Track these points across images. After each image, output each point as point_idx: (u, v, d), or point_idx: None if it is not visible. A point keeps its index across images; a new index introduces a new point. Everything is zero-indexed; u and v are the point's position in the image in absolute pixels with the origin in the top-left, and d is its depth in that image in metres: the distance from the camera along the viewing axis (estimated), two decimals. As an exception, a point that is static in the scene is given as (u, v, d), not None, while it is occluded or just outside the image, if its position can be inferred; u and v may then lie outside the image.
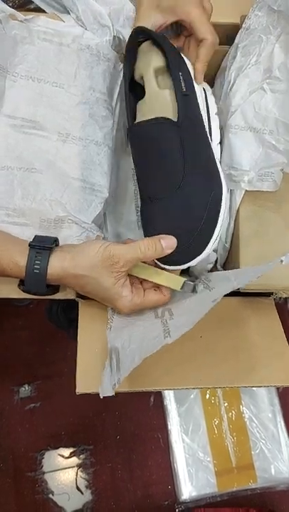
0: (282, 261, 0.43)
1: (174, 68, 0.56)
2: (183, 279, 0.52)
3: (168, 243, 0.50)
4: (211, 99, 0.60)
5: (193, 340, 0.52)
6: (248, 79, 0.58)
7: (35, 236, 0.52)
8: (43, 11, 0.65)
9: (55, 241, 0.53)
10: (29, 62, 0.59)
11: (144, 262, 0.53)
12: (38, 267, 0.49)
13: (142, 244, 0.50)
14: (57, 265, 0.49)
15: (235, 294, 0.58)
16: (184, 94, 0.55)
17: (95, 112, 0.62)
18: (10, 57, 0.58)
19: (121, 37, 0.63)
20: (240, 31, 0.60)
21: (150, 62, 0.57)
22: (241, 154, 0.57)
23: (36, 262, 0.49)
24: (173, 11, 0.57)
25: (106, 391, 0.44)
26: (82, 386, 0.49)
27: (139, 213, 0.64)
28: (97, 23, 0.62)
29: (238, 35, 0.61)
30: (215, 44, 0.57)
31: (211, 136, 0.57)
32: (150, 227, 0.55)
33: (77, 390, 0.49)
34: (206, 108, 0.58)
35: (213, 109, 0.59)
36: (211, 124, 0.58)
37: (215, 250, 0.57)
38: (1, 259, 0.49)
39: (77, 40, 0.62)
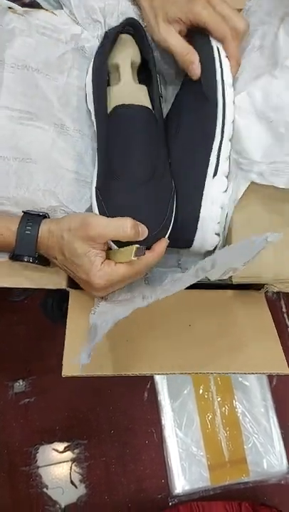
0: (266, 239, 0.43)
1: (153, 69, 0.58)
2: (134, 247, 0.49)
3: (143, 232, 0.50)
4: (226, 63, 0.56)
5: (181, 328, 0.53)
6: (251, 63, 0.56)
7: (27, 210, 0.55)
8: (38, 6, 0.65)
9: (46, 214, 0.56)
10: (26, 54, 0.60)
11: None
12: (30, 228, 0.51)
13: (125, 220, 0.50)
14: (45, 228, 0.52)
15: (226, 286, 0.59)
16: (160, 96, 0.56)
17: (81, 109, 0.63)
18: (7, 50, 0.59)
19: None
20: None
21: (129, 54, 0.59)
22: (250, 142, 0.54)
23: (28, 223, 0.51)
24: (182, 18, 0.56)
25: (83, 359, 0.44)
26: (68, 369, 0.50)
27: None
28: (90, 18, 0.63)
29: None
30: (238, 36, 0.56)
31: (224, 112, 0.55)
32: (113, 207, 0.54)
33: (63, 373, 0.49)
34: (221, 79, 0.56)
35: (228, 80, 0.56)
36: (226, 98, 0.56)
37: (218, 234, 0.56)
38: None
39: (74, 39, 0.63)
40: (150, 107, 0.56)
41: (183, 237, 0.56)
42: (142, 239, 0.50)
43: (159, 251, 0.53)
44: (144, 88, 0.58)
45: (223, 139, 0.55)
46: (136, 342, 0.52)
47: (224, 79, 0.55)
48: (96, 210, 0.54)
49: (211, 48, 0.56)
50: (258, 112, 0.53)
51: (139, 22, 0.60)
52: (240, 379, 1.06)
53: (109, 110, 0.56)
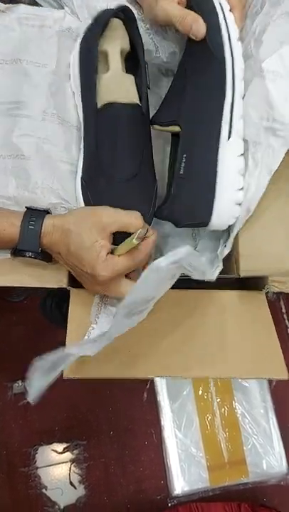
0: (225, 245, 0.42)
1: (142, 58, 0.57)
2: (137, 232, 0.49)
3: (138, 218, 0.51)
4: (230, 18, 0.54)
5: (184, 331, 0.53)
6: (279, 28, 0.54)
7: (30, 206, 0.55)
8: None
9: (49, 210, 0.56)
10: (13, 48, 0.60)
11: None
12: (33, 223, 0.51)
13: (132, 212, 0.51)
14: (49, 223, 0.51)
15: (229, 284, 0.59)
16: (148, 87, 0.56)
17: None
18: None
19: None
20: None
21: (118, 41, 0.57)
22: (285, 105, 0.51)
23: (32, 218, 0.51)
24: None
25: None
26: (69, 371, 0.50)
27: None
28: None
29: None
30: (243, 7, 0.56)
31: (233, 67, 0.53)
32: (100, 200, 0.54)
33: (64, 375, 0.49)
34: (227, 34, 0.54)
35: (234, 33, 0.54)
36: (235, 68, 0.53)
37: (239, 204, 0.54)
38: None
39: (58, 23, 0.62)
40: (138, 99, 0.56)
41: (200, 211, 0.53)
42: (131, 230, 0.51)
43: (154, 238, 0.52)
44: (131, 78, 0.57)
45: (235, 96, 0.53)
46: (137, 345, 0.51)
47: (230, 33, 0.53)
48: (81, 199, 0.56)
49: (213, 3, 0.54)
50: None
51: (130, 7, 0.59)
52: (239, 380, 1.06)
53: (98, 103, 0.55)
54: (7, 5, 0.61)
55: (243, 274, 0.56)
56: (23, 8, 0.62)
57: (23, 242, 0.51)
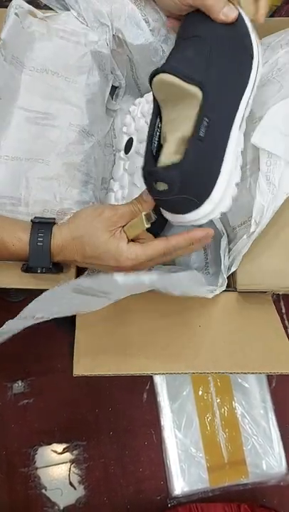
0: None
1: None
2: (142, 214, 0.49)
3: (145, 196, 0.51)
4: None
5: (191, 328, 0.53)
6: None
7: (35, 217, 0.54)
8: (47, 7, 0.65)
9: (54, 220, 0.55)
10: (46, 57, 0.60)
11: None
12: (42, 239, 0.50)
13: (133, 200, 0.51)
14: (58, 236, 0.51)
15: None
16: None
17: (98, 113, 0.63)
18: (27, 52, 0.59)
19: (120, 36, 0.64)
20: None
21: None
22: None
23: (39, 234, 0.50)
24: None
25: None
26: (79, 368, 0.50)
27: None
28: (98, 22, 0.63)
29: None
30: None
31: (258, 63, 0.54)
32: None
33: (74, 372, 0.49)
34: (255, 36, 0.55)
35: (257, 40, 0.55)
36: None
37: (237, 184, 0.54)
38: (4, 236, 0.50)
39: (92, 44, 0.63)
40: None
41: (207, 178, 0.50)
42: (149, 202, 0.51)
43: (193, 236, 0.51)
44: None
45: (251, 96, 0.53)
46: (145, 343, 0.51)
47: (253, 33, 0.55)
48: None
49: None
50: None
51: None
52: (239, 380, 1.06)
53: None
54: (46, 13, 0.61)
55: (240, 288, 0.56)
56: (62, 20, 0.62)
57: (34, 260, 0.51)
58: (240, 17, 0.54)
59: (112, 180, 0.69)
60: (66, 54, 0.61)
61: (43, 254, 0.50)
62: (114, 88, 0.74)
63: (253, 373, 0.51)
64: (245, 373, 0.52)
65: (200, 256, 0.68)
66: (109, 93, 0.71)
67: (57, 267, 0.53)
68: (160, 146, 0.53)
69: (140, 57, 0.66)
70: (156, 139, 0.53)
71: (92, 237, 0.50)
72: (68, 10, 0.63)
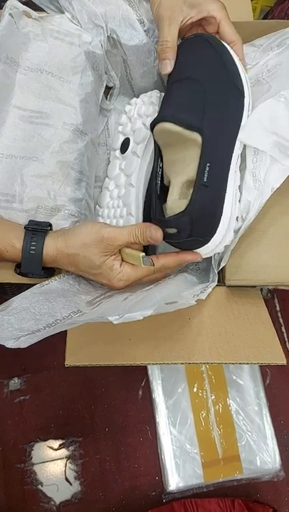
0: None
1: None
2: (140, 254, 0.51)
3: (152, 235, 0.51)
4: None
5: (181, 320, 0.54)
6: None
7: (30, 220, 0.54)
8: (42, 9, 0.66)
9: (50, 225, 0.55)
10: (40, 57, 0.61)
11: None
12: (34, 247, 0.51)
13: (135, 230, 0.51)
14: (51, 246, 0.51)
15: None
16: None
17: (92, 112, 0.64)
18: (22, 53, 0.60)
19: (115, 36, 0.65)
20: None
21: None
22: None
23: (32, 243, 0.51)
24: (200, 8, 0.57)
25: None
26: (71, 359, 0.51)
27: None
28: (92, 23, 0.64)
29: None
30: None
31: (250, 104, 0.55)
32: None
33: (66, 363, 0.50)
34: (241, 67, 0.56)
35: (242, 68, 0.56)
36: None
37: (235, 231, 0.55)
38: None
39: (86, 45, 0.63)
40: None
41: (210, 224, 0.52)
42: (156, 243, 0.51)
43: (184, 258, 0.53)
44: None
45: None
46: (136, 334, 0.52)
47: (240, 68, 0.55)
48: None
49: (224, 45, 0.56)
50: None
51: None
52: (234, 377, 1.08)
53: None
54: (40, 14, 0.62)
55: (228, 283, 0.57)
56: (56, 21, 0.63)
57: (26, 267, 0.52)
58: (229, 56, 0.55)
59: (107, 179, 0.70)
60: (60, 54, 0.61)
61: (35, 262, 0.51)
62: (108, 88, 0.74)
63: (240, 364, 0.52)
64: (232, 363, 0.52)
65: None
66: (104, 93, 0.72)
67: (48, 271, 0.55)
68: (163, 185, 0.56)
69: (134, 58, 0.67)
70: (159, 179, 0.56)
71: (87, 258, 0.51)
72: (63, 12, 0.64)
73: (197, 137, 0.52)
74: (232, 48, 0.57)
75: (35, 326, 0.46)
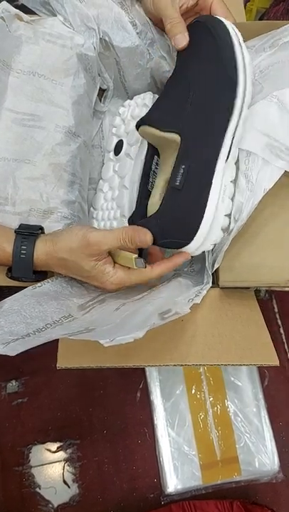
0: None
1: None
2: (132, 256, 0.51)
3: (141, 239, 0.50)
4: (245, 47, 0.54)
5: (174, 322, 0.54)
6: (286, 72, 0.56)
7: (21, 224, 0.54)
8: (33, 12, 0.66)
9: (41, 228, 0.55)
10: (32, 60, 0.61)
11: None
12: (25, 252, 0.51)
13: (123, 234, 0.50)
14: (41, 250, 0.51)
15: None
16: None
17: (85, 114, 0.64)
18: (14, 56, 0.60)
19: (107, 39, 0.65)
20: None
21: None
22: (286, 132, 0.53)
23: (22, 247, 0.51)
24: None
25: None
26: (63, 361, 0.51)
27: None
28: (84, 25, 0.64)
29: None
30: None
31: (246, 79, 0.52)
32: None
33: (58, 365, 0.50)
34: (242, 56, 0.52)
35: (248, 58, 0.53)
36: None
37: (223, 229, 0.54)
38: None
39: (78, 48, 0.64)
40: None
41: (185, 228, 0.52)
42: (144, 247, 0.52)
43: (177, 263, 0.54)
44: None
45: (240, 122, 0.52)
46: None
47: (245, 57, 0.52)
48: None
49: (226, 25, 0.54)
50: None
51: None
52: (232, 379, 1.07)
53: None
54: (32, 17, 0.62)
55: (222, 284, 0.57)
56: (48, 24, 0.63)
57: (17, 271, 0.52)
58: (227, 41, 0.52)
59: (101, 181, 0.70)
60: (53, 57, 0.62)
61: (25, 265, 0.51)
62: (102, 90, 0.75)
63: (232, 365, 0.52)
64: (225, 365, 0.52)
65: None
66: (98, 95, 0.72)
67: (40, 275, 0.55)
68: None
69: (127, 60, 0.67)
70: (153, 178, 0.57)
71: (77, 263, 0.51)
72: (55, 15, 0.64)
73: (177, 138, 0.52)
74: None
75: (25, 330, 0.45)
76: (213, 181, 0.51)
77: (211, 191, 0.51)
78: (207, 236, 0.52)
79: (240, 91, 0.52)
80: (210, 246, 0.54)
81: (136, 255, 0.51)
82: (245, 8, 1.15)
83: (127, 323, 0.46)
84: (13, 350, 0.43)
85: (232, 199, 0.54)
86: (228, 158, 0.52)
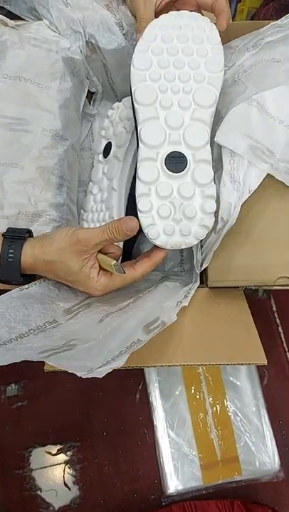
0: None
1: None
2: (112, 262, 0.51)
3: (128, 226, 0.50)
4: None
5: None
6: (269, 71, 0.57)
7: (9, 228, 0.54)
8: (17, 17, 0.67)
9: (28, 232, 0.55)
10: (18, 65, 0.61)
11: None
12: (12, 255, 0.51)
13: (109, 226, 0.50)
14: (29, 253, 0.51)
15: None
16: None
17: (72, 117, 0.64)
18: (0, 61, 0.60)
19: (93, 41, 0.65)
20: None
21: None
22: (270, 138, 0.54)
23: (10, 251, 0.51)
24: None
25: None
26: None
27: None
28: (70, 29, 0.64)
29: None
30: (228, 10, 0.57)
31: None
32: None
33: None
34: None
35: None
36: None
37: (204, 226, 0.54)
38: None
39: (64, 51, 0.64)
40: None
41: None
42: (132, 234, 0.51)
43: (156, 260, 0.54)
44: None
45: None
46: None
47: None
48: None
49: None
50: (269, 112, 0.54)
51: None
52: (231, 378, 1.07)
53: None
54: (17, 22, 0.63)
55: (211, 284, 0.58)
56: (33, 29, 0.64)
57: (4, 274, 0.52)
58: None
59: (90, 183, 0.71)
60: (38, 61, 0.62)
61: (13, 269, 0.51)
62: (91, 93, 0.75)
63: (220, 364, 0.52)
64: (212, 365, 0.52)
65: (176, 253, 0.70)
66: (87, 98, 0.73)
67: (29, 278, 0.55)
68: None
69: (114, 62, 0.68)
70: None
71: (64, 264, 0.51)
72: (41, 20, 0.65)
73: None
74: (216, 18, 0.56)
75: (8, 334, 0.45)
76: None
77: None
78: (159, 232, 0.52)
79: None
80: (188, 242, 0.53)
81: (114, 261, 0.51)
82: (236, 9, 1.15)
83: (109, 341, 0.46)
84: None
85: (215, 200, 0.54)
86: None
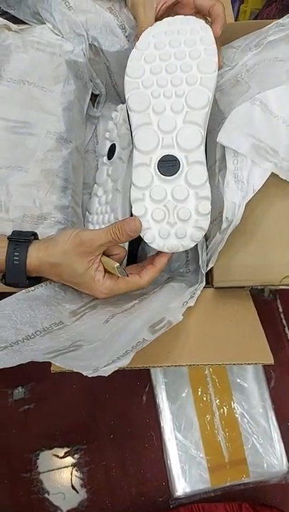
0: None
1: None
2: (114, 265, 0.51)
3: (131, 227, 0.50)
4: None
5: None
6: (272, 70, 0.57)
7: (14, 231, 0.55)
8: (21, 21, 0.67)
9: (33, 234, 0.55)
10: (22, 68, 0.62)
11: None
12: (18, 258, 0.51)
13: (113, 227, 0.51)
14: (34, 256, 0.51)
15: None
16: None
17: (76, 120, 0.65)
18: (4, 65, 0.61)
19: (96, 44, 0.66)
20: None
21: None
22: (269, 134, 0.53)
23: (15, 254, 0.51)
24: None
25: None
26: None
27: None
28: (73, 32, 0.65)
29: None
30: (224, 16, 0.57)
31: None
32: None
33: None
34: None
35: None
36: None
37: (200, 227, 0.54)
38: None
39: (67, 54, 0.64)
40: None
41: None
42: (135, 235, 0.51)
43: (160, 266, 0.54)
44: None
45: None
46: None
47: None
48: None
49: None
50: (273, 112, 0.54)
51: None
52: (238, 380, 1.07)
53: None
54: (21, 26, 0.63)
55: (216, 284, 0.57)
56: (37, 33, 0.64)
57: (10, 277, 0.52)
58: None
59: (95, 185, 0.71)
60: (42, 65, 0.63)
61: (19, 272, 0.51)
62: (95, 96, 0.75)
63: (227, 364, 0.52)
64: (219, 364, 0.52)
65: (181, 254, 0.70)
66: (91, 101, 0.73)
67: (34, 280, 0.55)
68: None
69: (117, 64, 0.68)
70: None
71: (69, 266, 0.51)
72: (44, 23, 0.65)
73: None
74: (211, 22, 0.57)
75: (15, 336, 0.45)
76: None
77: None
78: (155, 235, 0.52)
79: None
80: (185, 245, 0.53)
81: (117, 264, 0.51)
82: (239, 10, 1.15)
83: (115, 341, 0.46)
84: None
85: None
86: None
